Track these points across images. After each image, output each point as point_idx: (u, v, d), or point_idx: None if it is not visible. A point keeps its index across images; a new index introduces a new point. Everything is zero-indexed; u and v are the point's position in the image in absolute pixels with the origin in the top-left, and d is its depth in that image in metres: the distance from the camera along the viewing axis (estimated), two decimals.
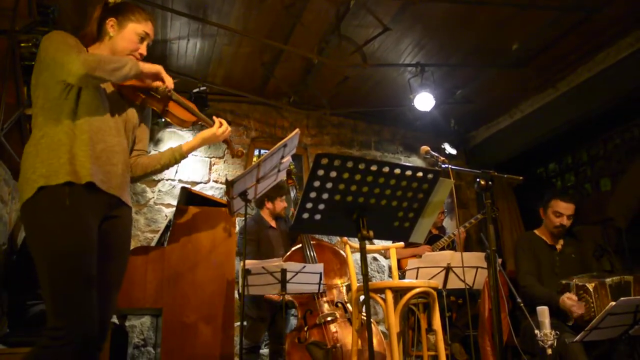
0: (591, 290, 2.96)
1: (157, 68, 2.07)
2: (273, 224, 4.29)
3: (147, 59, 2.13)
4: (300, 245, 3.98)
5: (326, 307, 3.76)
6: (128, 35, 2.04)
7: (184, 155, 2.26)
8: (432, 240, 4.89)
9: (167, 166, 2.24)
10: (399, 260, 4.66)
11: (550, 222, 3.44)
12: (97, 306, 1.84)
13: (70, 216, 1.76)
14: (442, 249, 4.75)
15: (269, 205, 4.27)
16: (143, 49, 2.09)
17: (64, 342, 1.65)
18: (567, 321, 3.04)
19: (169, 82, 2.10)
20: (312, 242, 4.01)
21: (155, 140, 5.14)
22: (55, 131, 1.84)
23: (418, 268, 3.45)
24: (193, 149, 2.29)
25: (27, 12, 3.20)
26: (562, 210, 3.39)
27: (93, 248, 1.80)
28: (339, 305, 3.80)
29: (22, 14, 3.15)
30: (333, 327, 3.65)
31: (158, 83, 2.08)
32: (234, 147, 2.50)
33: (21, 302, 2.89)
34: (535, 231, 3.56)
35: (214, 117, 2.35)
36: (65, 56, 1.80)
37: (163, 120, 4.93)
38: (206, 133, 2.30)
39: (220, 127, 2.30)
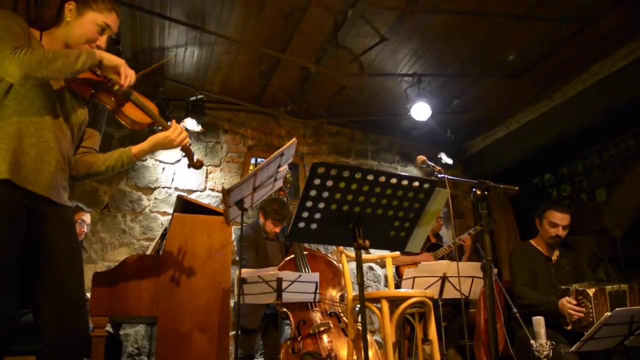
0: (591, 295, 2.94)
1: (119, 61, 1.85)
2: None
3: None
4: (292, 255, 3.97)
5: (319, 317, 3.75)
6: (86, 24, 1.88)
7: (132, 159, 2.06)
8: (431, 249, 4.89)
9: (112, 169, 2.04)
10: (398, 268, 4.66)
11: (545, 233, 3.44)
12: (72, 319, 1.77)
13: None
14: (442, 257, 4.75)
15: (261, 218, 4.25)
16: (102, 41, 1.92)
17: None
18: (565, 325, 3.03)
19: (128, 79, 1.87)
20: (304, 252, 4.00)
21: None
22: None
23: (414, 277, 3.45)
24: (143, 153, 2.08)
25: None
26: (557, 221, 3.39)
27: (14, 240, 1.68)
28: (332, 315, 3.79)
29: None
30: (327, 337, 3.63)
31: (115, 77, 1.88)
32: (193, 157, 2.25)
33: None
34: (531, 241, 3.56)
35: (173, 121, 2.12)
36: (1, 52, 1.63)
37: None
38: (159, 136, 2.06)
39: (175, 131, 2.06)
